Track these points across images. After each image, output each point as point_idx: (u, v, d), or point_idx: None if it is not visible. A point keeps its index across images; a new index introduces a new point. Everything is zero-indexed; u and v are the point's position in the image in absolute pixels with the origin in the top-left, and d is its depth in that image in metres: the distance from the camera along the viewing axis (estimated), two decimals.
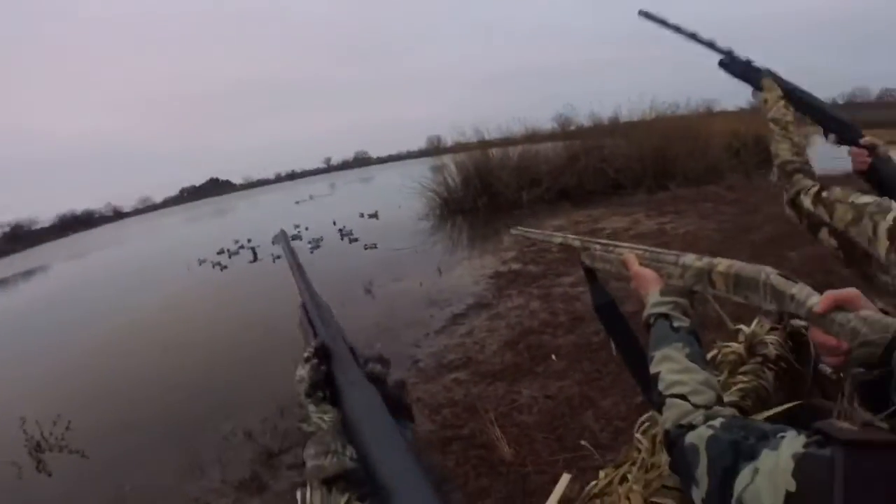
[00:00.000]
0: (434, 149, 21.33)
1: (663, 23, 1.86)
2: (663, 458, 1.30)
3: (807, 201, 1.43)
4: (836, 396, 1.32)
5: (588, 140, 15.65)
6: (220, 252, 15.25)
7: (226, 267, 13.71)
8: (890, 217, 1.20)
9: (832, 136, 1.70)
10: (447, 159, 16.29)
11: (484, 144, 15.84)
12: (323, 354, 0.75)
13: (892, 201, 1.26)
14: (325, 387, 0.73)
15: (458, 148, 16.86)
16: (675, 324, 1.02)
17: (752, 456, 0.71)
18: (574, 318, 5.39)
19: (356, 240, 13.36)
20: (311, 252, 13.05)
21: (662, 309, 1.04)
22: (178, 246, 20.63)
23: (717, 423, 0.82)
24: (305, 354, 0.75)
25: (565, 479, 1.51)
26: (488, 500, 3.12)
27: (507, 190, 14.76)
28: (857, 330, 0.78)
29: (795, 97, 1.69)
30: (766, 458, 0.69)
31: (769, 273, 0.92)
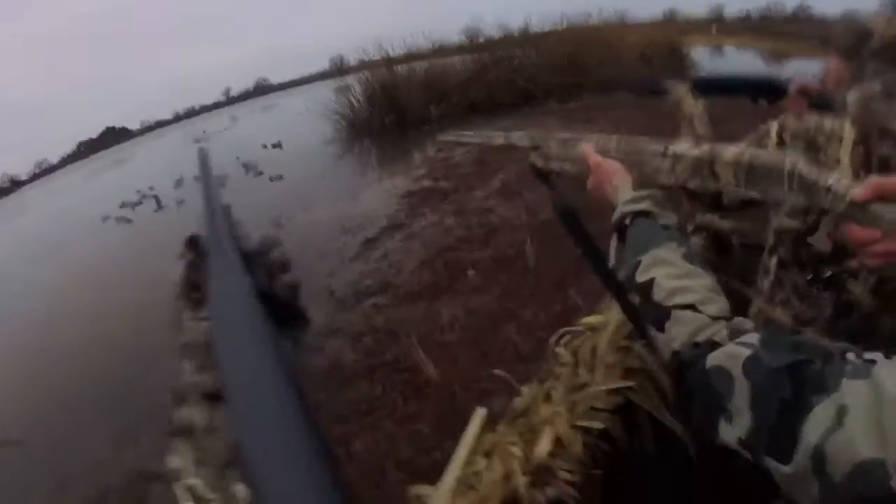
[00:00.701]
0: (337, 70, 20.70)
1: None
2: (596, 376, 1.21)
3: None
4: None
5: (497, 51, 15.33)
6: (123, 205, 14.27)
7: (130, 220, 12.89)
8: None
9: (762, 102, 1.70)
10: (351, 79, 15.72)
11: (389, 61, 15.34)
12: (196, 249, 0.60)
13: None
14: (201, 288, 0.59)
15: (362, 67, 16.28)
16: (662, 221, 0.88)
17: (824, 387, 0.54)
18: (489, 231, 5.32)
19: (261, 173, 12.80)
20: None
21: (641, 206, 0.90)
22: (79, 205, 19.45)
23: (751, 339, 0.65)
24: (180, 251, 0.61)
25: (480, 413, 1.40)
26: (419, 424, 3.06)
27: (415, 106, 14.42)
28: None
29: (704, 84, 1.76)
30: (855, 390, 0.51)
31: (796, 160, 0.75)
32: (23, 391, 5.61)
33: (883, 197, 0.67)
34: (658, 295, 0.78)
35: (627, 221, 0.89)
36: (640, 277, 0.81)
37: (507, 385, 2.41)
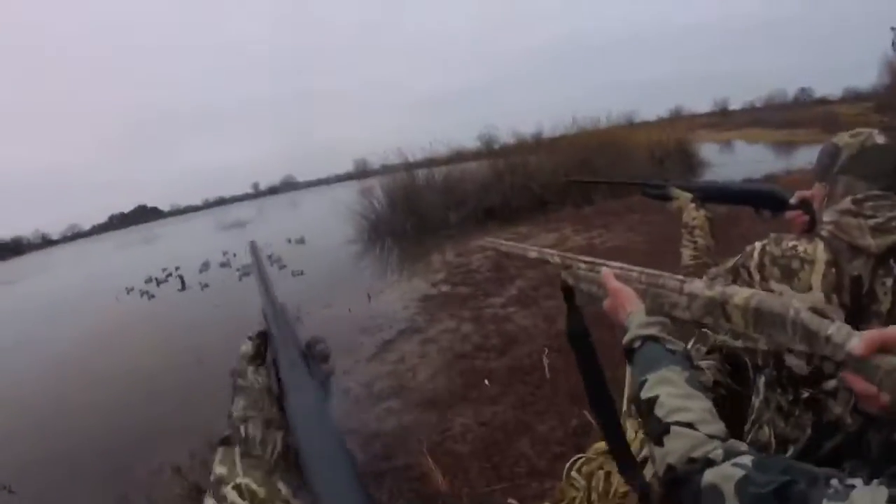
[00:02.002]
0: (361, 172, 21.31)
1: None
2: None
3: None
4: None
5: (512, 157, 15.79)
6: (148, 280, 14.84)
7: (154, 296, 13.26)
8: (755, 257, 1.33)
9: (765, 213, 1.74)
10: (374, 182, 16.21)
11: (409, 166, 15.84)
12: (263, 338, 0.85)
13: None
14: (263, 360, 0.82)
15: (384, 171, 16.82)
16: (669, 346, 0.93)
17: None
18: (506, 340, 5.33)
19: (284, 266, 13.04)
20: (240, 279, 12.86)
21: (651, 331, 0.95)
22: (105, 274, 19.90)
23: (745, 460, 0.70)
24: (249, 335, 0.85)
25: None
26: None
27: (434, 210, 14.75)
28: None
29: (707, 193, 1.82)
30: None
31: (799, 309, 0.81)
32: (23, 442, 5.75)
33: (883, 349, 0.71)
34: (660, 411, 0.83)
35: (637, 344, 0.95)
36: (645, 394, 0.87)
37: (520, 501, 2.41)
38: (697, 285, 0.98)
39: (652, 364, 0.90)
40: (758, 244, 1.34)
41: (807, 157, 14.40)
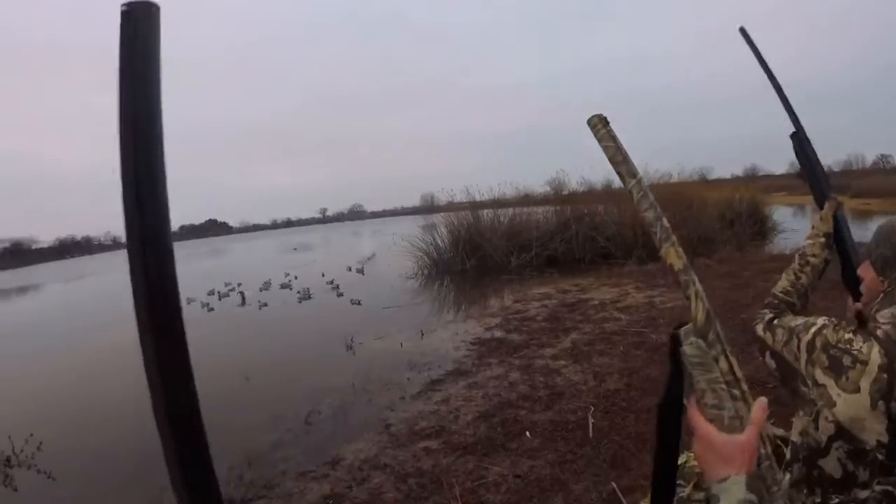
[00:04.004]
0: (427, 206, 21.56)
1: (756, 51, 1.91)
2: None
3: (759, 328, 1.49)
4: None
5: (580, 206, 15.75)
6: (211, 293, 15.35)
7: (213, 309, 13.69)
8: (810, 333, 1.28)
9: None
10: (438, 219, 16.41)
11: (475, 205, 15.97)
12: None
13: (820, 318, 1.33)
14: None
15: (450, 207, 17.00)
16: None
17: None
18: (553, 393, 5.26)
19: (342, 294, 13.30)
20: (300, 302, 13.24)
21: None
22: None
23: None
24: None
25: None
26: None
27: (496, 254, 14.80)
28: None
29: (839, 240, 1.68)
30: None
31: None
32: (70, 432, 6.05)
33: None
34: None
35: None
36: None
37: None
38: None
39: None
40: (818, 322, 1.31)
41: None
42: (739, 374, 0.77)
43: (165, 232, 0.50)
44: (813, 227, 1.68)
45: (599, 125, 0.83)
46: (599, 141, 0.83)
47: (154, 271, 0.50)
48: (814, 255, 1.63)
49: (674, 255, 0.77)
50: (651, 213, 0.79)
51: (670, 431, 0.89)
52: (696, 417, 0.81)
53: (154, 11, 0.47)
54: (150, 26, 0.47)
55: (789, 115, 1.86)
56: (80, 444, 5.62)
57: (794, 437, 1.30)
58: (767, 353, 1.41)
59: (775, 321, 1.43)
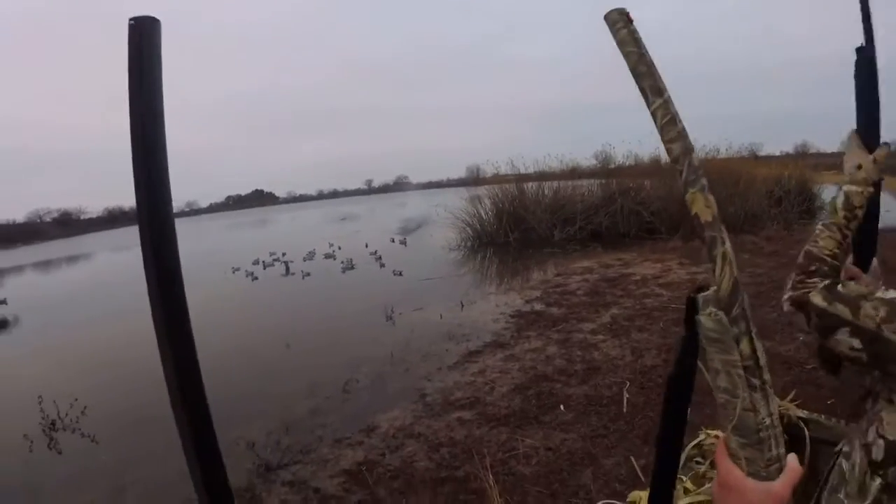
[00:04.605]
0: (472, 179, 21.46)
1: None
2: None
3: (818, 299, 1.19)
4: None
5: (626, 180, 15.49)
6: (255, 262, 15.60)
7: (257, 278, 13.94)
8: None
9: None
10: (483, 191, 16.33)
11: (521, 178, 15.83)
12: None
13: None
14: None
15: (495, 179, 16.89)
16: None
17: None
18: (590, 367, 5.25)
19: (384, 265, 13.41)
20: (343, 272, 13.40)
21: None
22: (215, 250, 21.01)
23: None
24: None
25: None
26: None
27: (540, 227, 14.70)
28: None
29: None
30: None
31: None
32: (115, 397, 6.24)
33: None
34: None
35: None
36: None
37: None
38: None
39: None
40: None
41: None
42: (763, 360, 0.65)
43: (167, 201, 0.59)
44: (860, 168, 1.29)
45: (619, 23, 0.68)
46: (619, 45, 0.68)
47: (158, 245, 0.60)
48: (860, 207, 1.29)
49: (701, 204, 0.66)
50: (678, 146, 0.67)
51: (678, 407, 0.78)
52: (721, 457, 0.69)
53: (156, 25, 0.55)
54: (153, 36, 0.55)
55: (864, 23, 1.43)
56: (124, 408, 5.80)
57: (891, 434, 1.11)
58: (844, 331, 1.13)
59: (841, 289, 1.17)
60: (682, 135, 0.66)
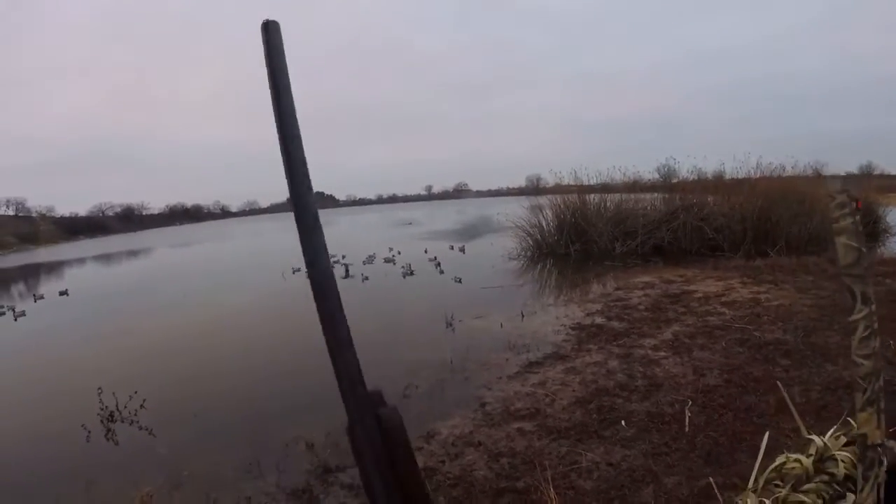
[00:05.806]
0: (533, 188, 21.46)
1: None
2: None
3: None
4: None
5: (689, 195, 15.28)
6: None
7: None
8: None
9: None
10: (544, 201, 16.32)
11: (583, 189, 15.75)
12: None
13: None
14: None
15: (556, 189, 16.85)
16: None
17: None
18: (651, 384, 5.24)
19: (443, 272, 13.56)
20: (404, 277, 13.60)
21: None
22: (275, 250, 21.49)
23: None
24: None
25: None
26: None
27: (601, 239, 14.61)
28: None
29: None
30: None
31: None
32: (173, 393, 6.41)
33: None
34: None
35: None
36: None
37: None
38: None
39: None
40: None
41: None
42: None
43: (309, 197, 0.60)
44: None
45: (846, 208, 0.65)
46: (836, 233, 0.66)
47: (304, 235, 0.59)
48: None
49: (873, 426, 0.62)
50: (869, 364, 0.65)
51: None
52: None
53: (278, 27, 0.59)
54: (279, 37, 0.59)
55: None
56: (183, 402, 6.00)
57: None
58: None
59: None
60: (875, 353, 0.66)
